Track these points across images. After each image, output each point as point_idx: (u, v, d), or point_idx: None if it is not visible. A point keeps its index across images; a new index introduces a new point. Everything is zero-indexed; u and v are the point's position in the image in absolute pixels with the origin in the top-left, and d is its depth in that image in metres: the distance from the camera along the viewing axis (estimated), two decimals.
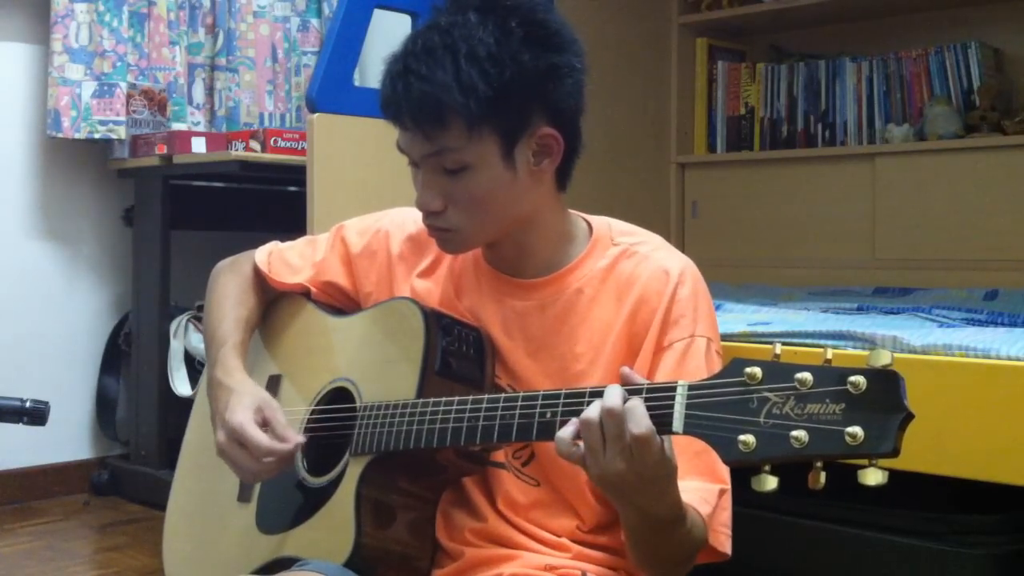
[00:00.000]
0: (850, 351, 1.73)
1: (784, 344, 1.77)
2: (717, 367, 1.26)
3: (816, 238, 3.11)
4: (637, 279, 1.27)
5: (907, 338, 1.69)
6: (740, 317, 2.01)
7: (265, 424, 1.29)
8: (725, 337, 1.33)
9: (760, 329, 1.87)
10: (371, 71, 3.80)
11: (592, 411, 1.03)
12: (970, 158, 2.82)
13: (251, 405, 1.31)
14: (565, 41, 1.24)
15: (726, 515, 1.22)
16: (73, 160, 3.50)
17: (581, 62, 1.26)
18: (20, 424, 1.46)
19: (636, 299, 1.26)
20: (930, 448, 1.55)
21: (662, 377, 1.23)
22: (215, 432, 1.33)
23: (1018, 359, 1.57)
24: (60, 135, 3.34)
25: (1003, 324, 1.92)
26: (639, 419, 1.00)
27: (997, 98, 2.85)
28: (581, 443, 1.04)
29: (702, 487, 1.18)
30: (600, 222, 1.35)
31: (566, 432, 1.05)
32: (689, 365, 1.23)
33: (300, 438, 1.30)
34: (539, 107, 1.23)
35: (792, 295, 2.61)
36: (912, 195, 2.92)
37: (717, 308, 1.37)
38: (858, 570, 1.90)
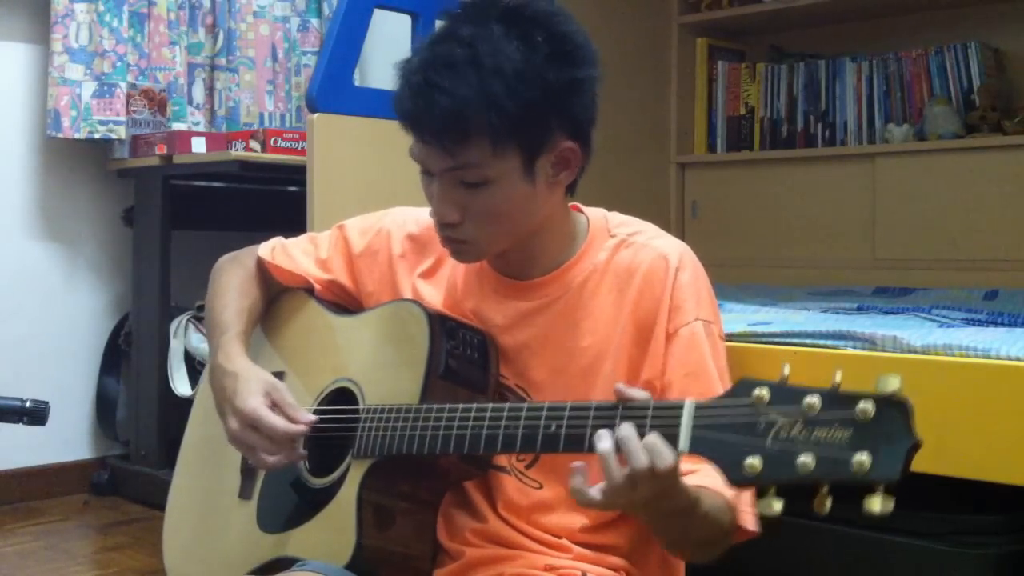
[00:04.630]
0: (851, 351, 1.73)
1: (784, 344, 1.78)
2: (721, 350, 1.27)
3: (816, 238, 3.11)
4: (637, 268, 1.28)
5: (907, 338, 1.69)
6: (740, 317, 2.01)
7: (274, 407, 1.29)
8: (726, 337, 1.33)
9: (760, 329, 1.87)
10: (371, 71, 3.80)
11: (618, 476, 1.01)
12: (970, 158, 2.82)
13: (259, 389, 1.30)
14: (588, 54, 1.23)
15: (750, 494, 1.21)
16: (73, 160, 3.50)
17: (598, 71, 1.25)
18: (20, 424, 1.46)
19: (638, 288, 1.27)
20: (930, 448, 1.53)
21: (671, 365, 1.24)
22: (225, 419, 1.33)
23: (1018, 359, 1.56)
24: (60, 135, 3.34)
25: (1003, 324, 1.92)
26: (666, 457, 1.00)
27: (997, 98, 2.85)
28: (595, 491, 1.03)
29: None
30: (596, 214, 1.35)
31: (580, 484, 1.04)
32: (695, 351, 1.24)
33: (312, 417, 1.30)
34: (560, 121, 1.22)
35: (792, 295, 2.61)
36: (912, 195, 2.91)
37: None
38: (858, 570, 1.89)
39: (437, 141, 1.18)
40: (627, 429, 1.02)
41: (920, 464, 1.55)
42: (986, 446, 1.55)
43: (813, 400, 0.91)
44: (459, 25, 1.21)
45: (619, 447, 1.02)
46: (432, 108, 1.16)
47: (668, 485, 1.02)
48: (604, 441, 1.03)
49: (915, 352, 1.67)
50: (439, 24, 1.26)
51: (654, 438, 1.00)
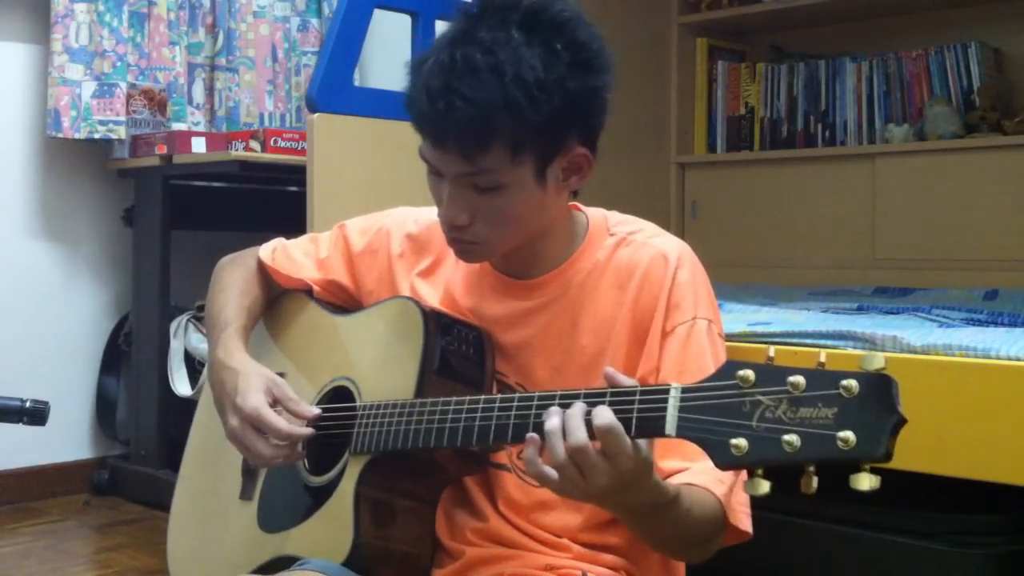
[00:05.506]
0: (849, 351, 1.73)
1: (784, 344, 1.79)
2: (720, 348, 1.27)
3: (816, 238, 3.11)
4: (636, 266, 1.28)
5: (907, 338, 1.69)
6: (740, 317, 2.01)
7: (276, 403, 1.29)
8: (725, 337, 1.33)
9: (760, 329, 1.87)
10: (371, 71, 3.80)
11: (560, 452, 1.02)
12: (970, 158, 2.82)
13: (261, 386, 1.30)
14: (604, 60, 1.22)
15: (743, 493, 1.20)
16: (73, 160, 3.51)
17: (612, 76, 1.24)
18: (20, 424, 1.46)
19: (637, 286, 1.27)
20: (930, 448, 1.55)
21: (668, 363, 1.23)
22: (224, 416, 1.32)
23: (1018, 359, 1.57)
24: (60, 135, 3.34)
25: (1003, 324, 1.92)
26: (617, 438, 1.00)
27: (997, 98, 2.85)
28: (548, 468, 1.03)
29: (715, 468, 1.17)
30: (596, 213, 1.35)
31: (531, 455, 1.04)
32: (692, 349, 1.24)
33: (316, 411, 1.29)
34: (577, 128, 1.21)
35: (792, 295, 2.61)
36: (912, 195, 2.92)
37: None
38: (858, 570, 1.90)
39: (455, 147, 1.17)
40: (576, 408, 1.02)
41: (920, 464, 1.56)
42: (986, 446, 1.55)
43: (798, 379, 0.91)
44: (477, 27, 1.18)
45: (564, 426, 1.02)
46: (452, 114, 1.15)
47: (629, 477, 1.02)
48: (552, 419, 1.03)
49: (915, 352, 1.67)
50: (452, 22, 1.23)
51: (605, 416, 1.00)
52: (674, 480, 1.16)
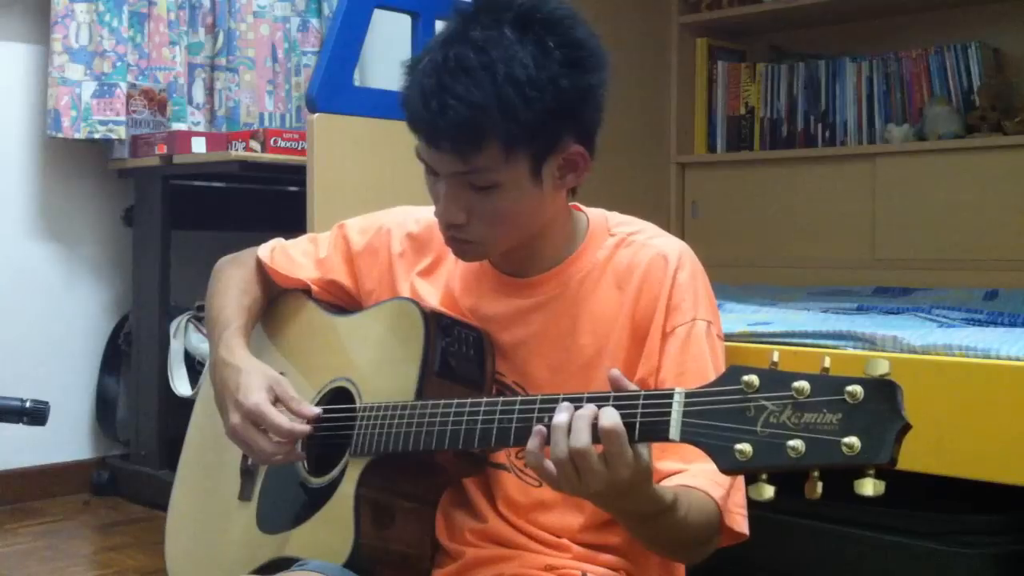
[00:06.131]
0: (850, 351, 1.73)
1: (784, 344, 1.78)
2: (719, 350, 1.27)
3: (816, 238, 3.11)
4: (636, 266, 1.28)
5: (907, 338, 1.69)
6: (740, 317, 2.01)
7: (277, 402, 1.29)
8: (725, 337, 1.33)
9: (760, 329, 1.87)
10: (371, 71, 3.80)
11: (561, 450, 1.02)
12: (970, 158, 2.82)
13: (263, 385, 1.30)
14: (599, 59, 1.22)
15: (740, 495, 1.21)
16: (73, 160, 3.50)
17: (608, 74, 1.24)
18: (20, 424, 1.46)
19: (637, 286, 1.27)
20: (930, 448, 1.55)
21: (667, 364, 1.24)
22: (226, 414, 1.32)
23: (1018, 359, 1.56)
24: (60, 135, 3.34)
25: (1003, 324, 1.92)
26: (620, 443, 1.00)
27: (997, 98, 2.85)
28: (548, 462, 1.04)
29: (713, 470, 1.14)
30: (596, 214, 1.36)
31: (535, 447, 1.05)
32: (692, 350, 1.24)
33: (316, 410, 1.30)
34: (571, 127, 1.22)
35: (792, 295, 2.61)
36: (912, 195, 2.92)
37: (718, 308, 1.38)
38: (858, 570, 1.89)
39: (449, 147, 1.17)
40: (587, 409, 1.03)
41: (920, 464, 1.56)
42: (986, 446, 1.55)
43: (802, 385, 0.91)
44: (470, 27, 1.19)
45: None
46: (445, 114, 1.15)
47: (625, 486, 1.02)
48: (560, 415, 1.03)
49: (915, 352, 1.67)
50: (447, 22, 1.24)
51: (612, 418, 1.00)
52: (671, 481, 1.16)
